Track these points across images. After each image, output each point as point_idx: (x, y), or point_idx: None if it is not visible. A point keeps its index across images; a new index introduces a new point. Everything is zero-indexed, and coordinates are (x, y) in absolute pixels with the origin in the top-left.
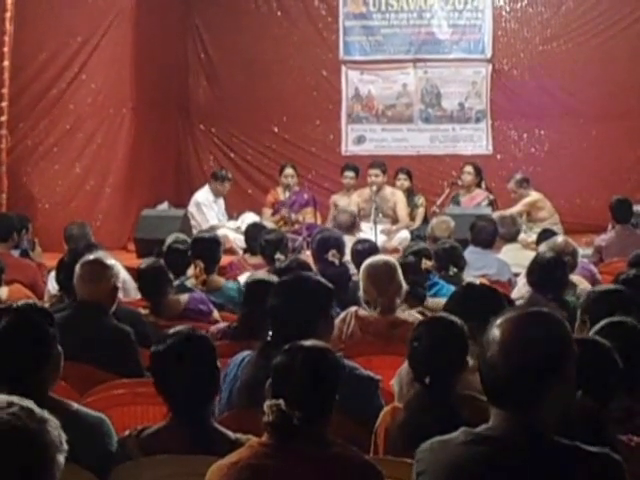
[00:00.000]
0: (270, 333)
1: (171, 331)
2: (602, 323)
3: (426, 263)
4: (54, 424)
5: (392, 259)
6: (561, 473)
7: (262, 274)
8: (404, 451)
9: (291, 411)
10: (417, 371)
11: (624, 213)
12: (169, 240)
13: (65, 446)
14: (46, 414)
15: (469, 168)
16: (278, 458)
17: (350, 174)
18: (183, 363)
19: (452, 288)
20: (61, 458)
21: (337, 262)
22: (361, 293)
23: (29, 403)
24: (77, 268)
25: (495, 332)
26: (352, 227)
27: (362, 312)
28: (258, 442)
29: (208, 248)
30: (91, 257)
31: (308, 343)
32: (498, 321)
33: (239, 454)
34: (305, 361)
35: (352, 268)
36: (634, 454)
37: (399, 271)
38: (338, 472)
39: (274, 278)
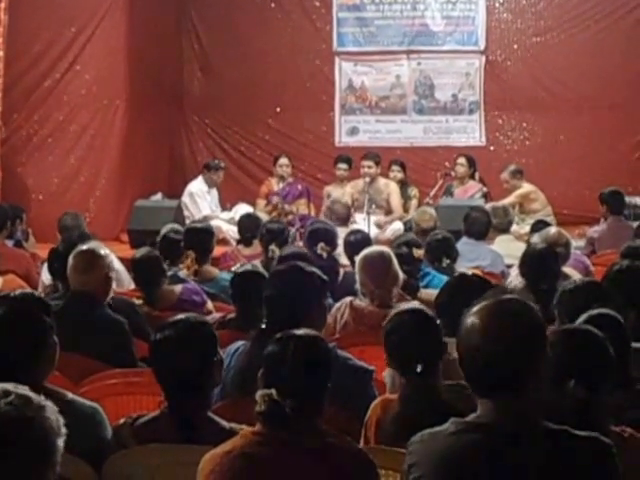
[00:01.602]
0: (264, 322)
1: (174, 318)
2: (584, 316)
3: (417, 252)
4: (51, 409)
5: (388, 250)
6: (552, 457)
7: (249, 266)
8: (396, 443)
9: (283, 400)
10: (405, 361)
11: (617, 205)
12: (164, 230)
13: (64, 430)
14: (43, 400)
15: (462, 160)
16: (271, 447)
17: (343, 166)
18: (184, 350)
19: (444, 278)
20: (60, 442)
21: (325, 255)
22: (358, 285)
23: (25, 390)
24: (70, 258)
25: (474, 322)
26: (347, 218)
27: (357, 303)
28: (251, 431)
29: (200, 238)
30: (84, 247)
31: (300, 332)
32: (474, 310)
33: (232, 443)
34: (297, 350)
35: (344, 260)
36: (627, 444)
37: (395, 261)
38: (331, 461)
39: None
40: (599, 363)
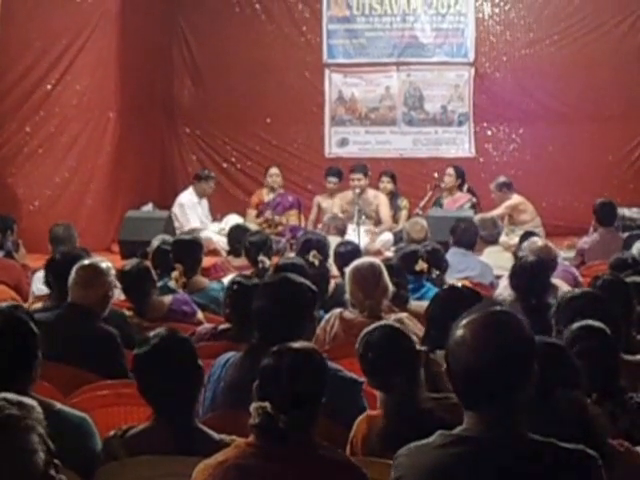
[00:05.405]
0: (256, 335)
1: (152, 333)
2: (572, 328)
3: (422, 265)
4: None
5: (378, 261)
6: (538, 470)
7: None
8: (383, 458)
9: (277, 413)
10: (381, 377)
11: (608, 216)
12: (157, 242)
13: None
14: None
15: (450, 170)
16: (264, 459)
17: (334, 179)
18: (165, 365)
19: None
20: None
21: (317, 263)
22: (347, 296)
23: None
24: (73, 271)
25: (464, 334)
26: (343, 231)
27: (347, 314)
28: (245, 442)
29: (188, 250)
30: (86, 262)
31: (296, 345)
32: (463, 323)
33: (226, 454)
34: (292, 363)
35: (334, 270)
36: (623, 458)
37: (385, 273)
38: (323, 474)
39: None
40: (563, 375)
